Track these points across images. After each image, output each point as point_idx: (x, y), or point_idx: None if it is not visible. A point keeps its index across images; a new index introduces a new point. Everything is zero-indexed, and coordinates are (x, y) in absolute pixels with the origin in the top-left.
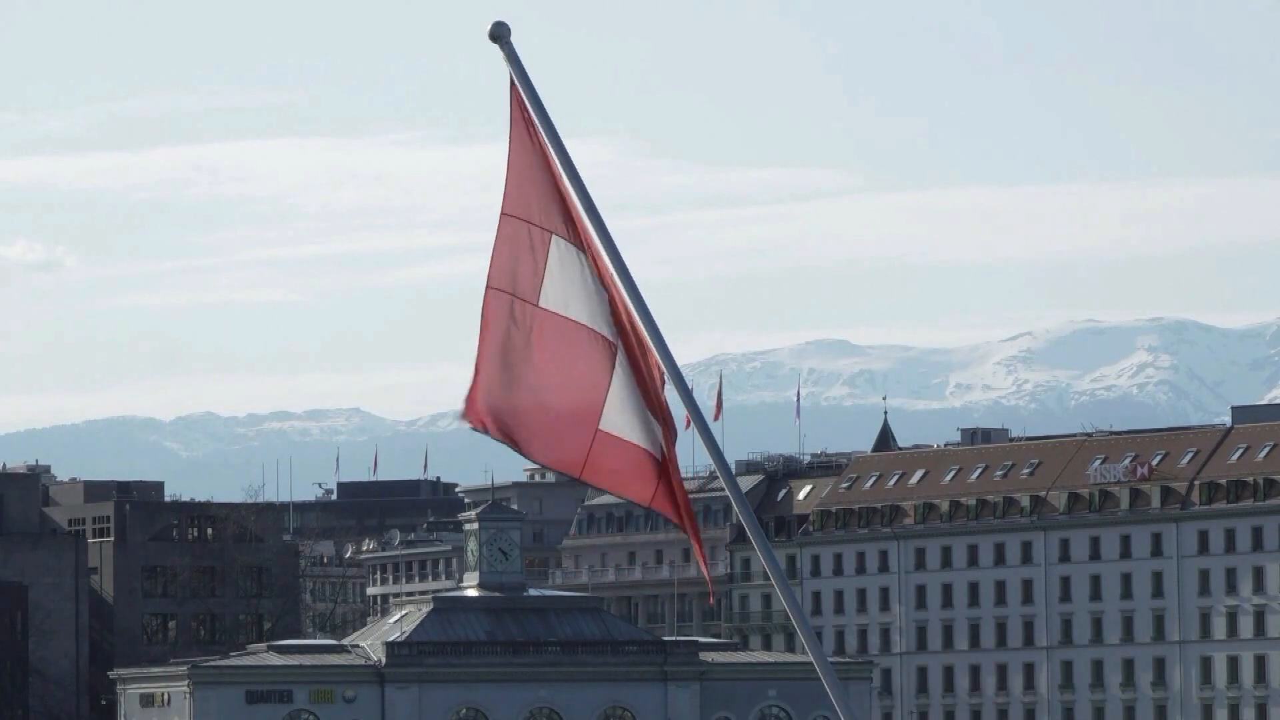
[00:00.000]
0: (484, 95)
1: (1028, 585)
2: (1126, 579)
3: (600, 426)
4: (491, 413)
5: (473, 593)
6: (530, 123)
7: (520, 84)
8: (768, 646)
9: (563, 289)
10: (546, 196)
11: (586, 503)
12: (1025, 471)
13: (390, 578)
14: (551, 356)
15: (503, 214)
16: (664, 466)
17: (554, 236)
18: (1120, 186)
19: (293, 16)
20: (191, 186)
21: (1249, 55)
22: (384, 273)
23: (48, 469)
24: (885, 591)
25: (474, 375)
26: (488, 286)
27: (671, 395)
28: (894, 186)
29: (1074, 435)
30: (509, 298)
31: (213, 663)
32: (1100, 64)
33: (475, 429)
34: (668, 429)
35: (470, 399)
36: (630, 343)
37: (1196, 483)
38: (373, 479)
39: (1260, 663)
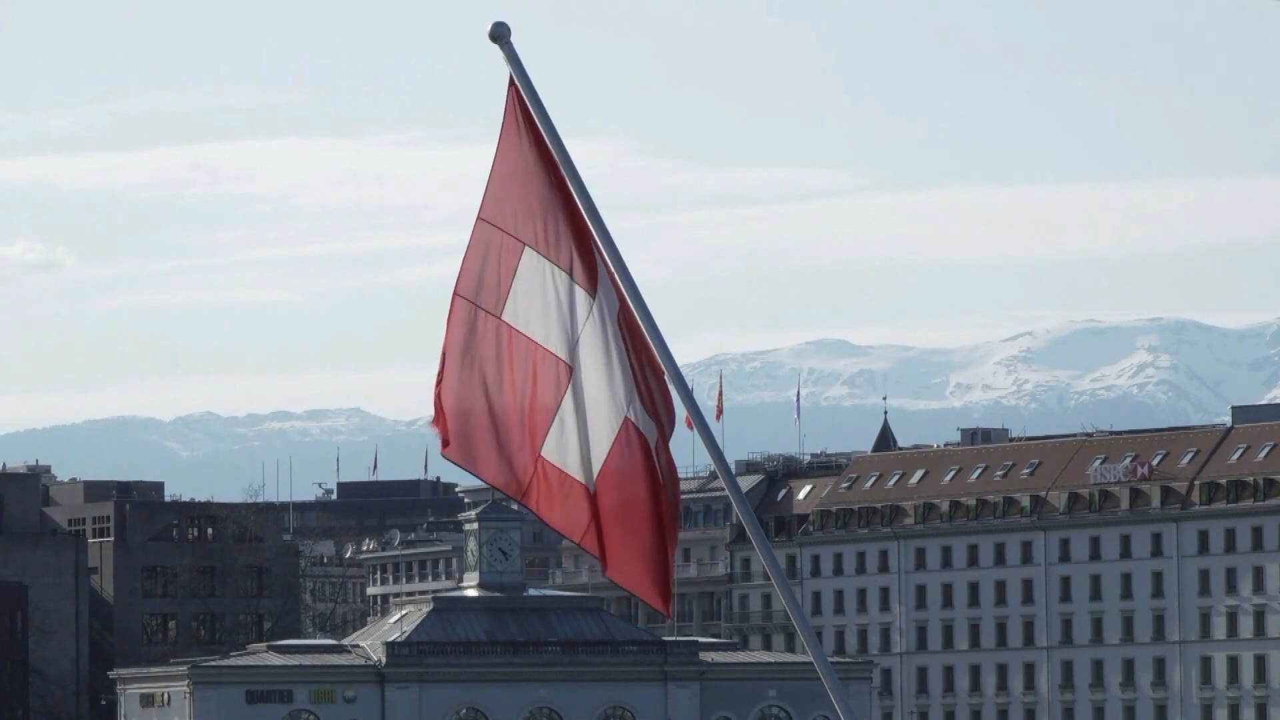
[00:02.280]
0: (484, 95)
1: (1028, 585)
2: (1126, 579)
3: (541, 453)
4: (450, 421)
5: (473, 593)
6: (530, 126)
7: (520, 84)
8: (768, 646)
9: (525, 305)
10: (526, 206)
11: None
12: (1025, 471)
13: (390, 578)
14: (509, 372)
15: (479, 219)
16: (595, 501)
17: (526, 248)
18: (1120, 186)
19: (293, 16)
20: (191, 186)
21: (1249, 55)
22: (384, 273)
23: (48, 469)
24: (885, 591)
25: (437, 383)
26: (454, 292)
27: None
28: (894, 186)
29: (1074, 435)
30: (473, 306)
31: (213, 663)
32: (1100, 64)
33: (442, 445)
34: (661, 427)
35: (437, 407)
36: (637, 347)
37: (1196, 483)
38: (373, 479)
39: (1260, 663)
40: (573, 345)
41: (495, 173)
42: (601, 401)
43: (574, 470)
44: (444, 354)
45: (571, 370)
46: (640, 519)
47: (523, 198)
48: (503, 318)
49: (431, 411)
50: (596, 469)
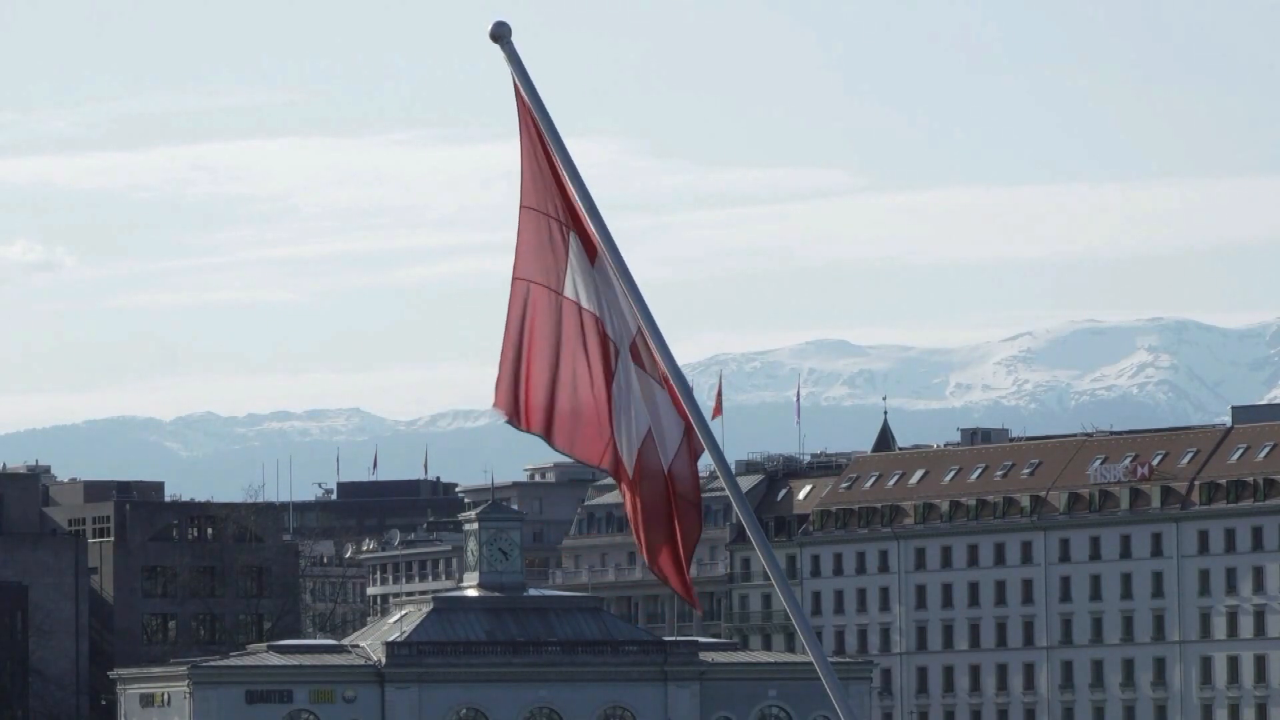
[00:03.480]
0: (484, 95)
1: (1028, 585)
2: (1126, 579)
3: (614, 424)
4: (521, 404)
5: (473, 593)
6: (532, 124)
7: (521, 84)
8: (768, 646)
9: (582, 282)
10: (560, 193)
11: (586, 503)
12: (1025, 471)
13: (390, 578)
14: (575, 346)
15: (522, 207)
16: (632, 480)
17: (571, 231)
18: (1120, 186)
19: (293, 16)
20: (191, 186)
21: (1249, 55)
22: (384, 273)
23: (48, 469)
24: (885, 591)
25: (500, 367)
26: (513, 277)
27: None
28: (894, 186)
29: (1074, 435)
30: (532, 285)
31: (213, 663)
32: (1100, 64)
33: (508, 422)
34: (690, 431)
35: (499, 391)
36: (636, 344)
37: (1196, 483)
38: (373, 479)
39: (1260, 663)
40: (617, 330)
41: (527, 163)
42: (636, 394)
43: (623, 450)
44: (507, 339)
45: (619, 352)
46: (666, 513)
47: (555, 185)
48: (564, 294)
49: (494, 397)
50: (634, 458)
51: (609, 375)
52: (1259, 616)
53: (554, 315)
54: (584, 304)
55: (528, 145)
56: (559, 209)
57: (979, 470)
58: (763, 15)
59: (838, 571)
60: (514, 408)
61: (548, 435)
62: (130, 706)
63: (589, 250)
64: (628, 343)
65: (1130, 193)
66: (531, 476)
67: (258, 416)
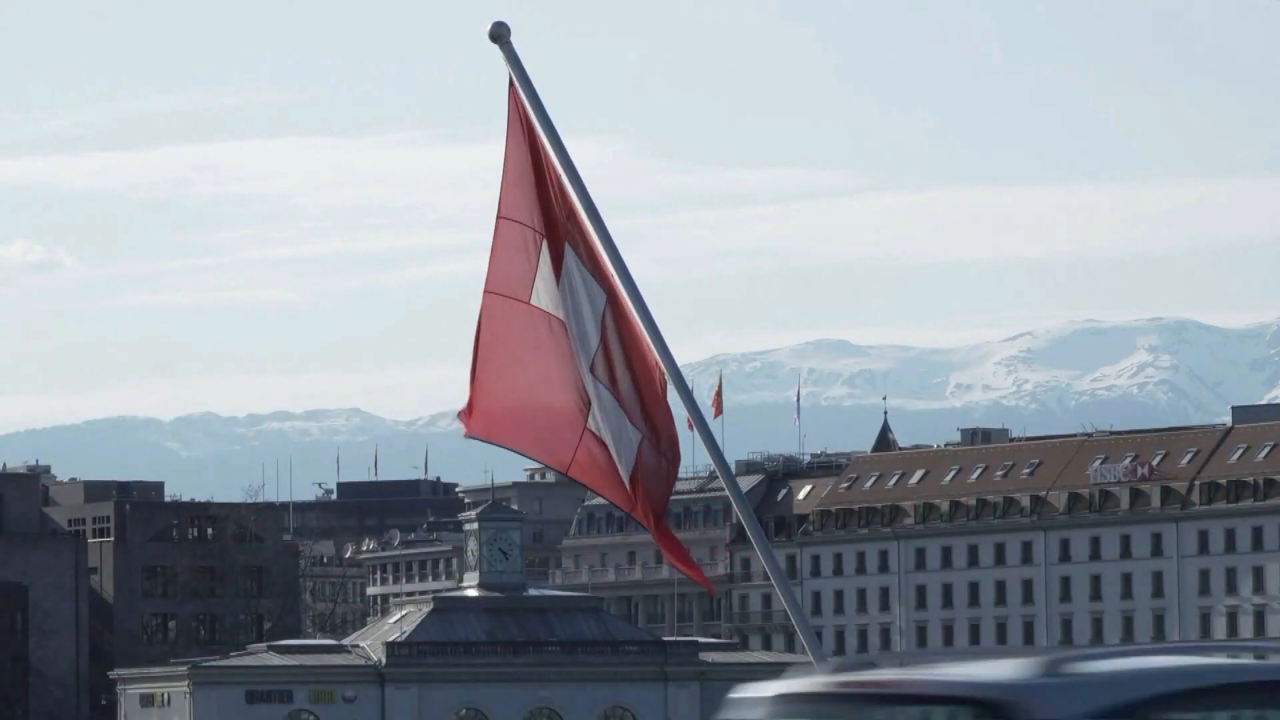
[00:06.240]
0: (484, 95)
1: (1028, 585)
2: (1126, 579)
3: (588, 425)
4: (487, 416)
5: (473, 593)
6: (529, 123)
7: (520, 84)
8: (768, 646)
9: (552, 289)
10: (538, 200)
11: (586, 503)
12: (1025, 471)
13: (390, 578)
14: (543, 354)
15: (499, 217)
16: (633, 477)
17: (544, 240)
18: (1120, 186)
19: (294, 16)
20: (192, 186)
21: (1249, 55)
22: (384, 273)
23: (48, 469)
24: (885, 591)
25: (470, 381)
26: (485, 290)
27: (672, 395)
28: (894, 186)
29: (1074, 435)
30: (502, 299)
31: (213, 663)
32: (1100, 64)
33: (472, 436)
34: (658, 436)
35: (469, 406)
36: (628, 343)
37: (1196, 483)
38: (373, 479)
39: None
40: (599, 328)
41: (508, 171)
42: (609, 409)
43: (611, 444)
44: (479, 350)
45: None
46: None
47: (535, 191)
48: (531, 303)
49: (463, 406)
50: (636, 440)
51: (591, 375)
52: (1259, 616)
53: (517, 324)
54: (554, 312)
55: (513, 150)
56: (533, 217)
57: (979, 470)
58: (763, 15)
59: (838, 572)
60: (479, 422)
61: (509, 444)
62: (130, 706)
63: (555, 261)
64: (588, 359)
65: (1130, 193)
66: (531, 476)
67: (258, 416)
